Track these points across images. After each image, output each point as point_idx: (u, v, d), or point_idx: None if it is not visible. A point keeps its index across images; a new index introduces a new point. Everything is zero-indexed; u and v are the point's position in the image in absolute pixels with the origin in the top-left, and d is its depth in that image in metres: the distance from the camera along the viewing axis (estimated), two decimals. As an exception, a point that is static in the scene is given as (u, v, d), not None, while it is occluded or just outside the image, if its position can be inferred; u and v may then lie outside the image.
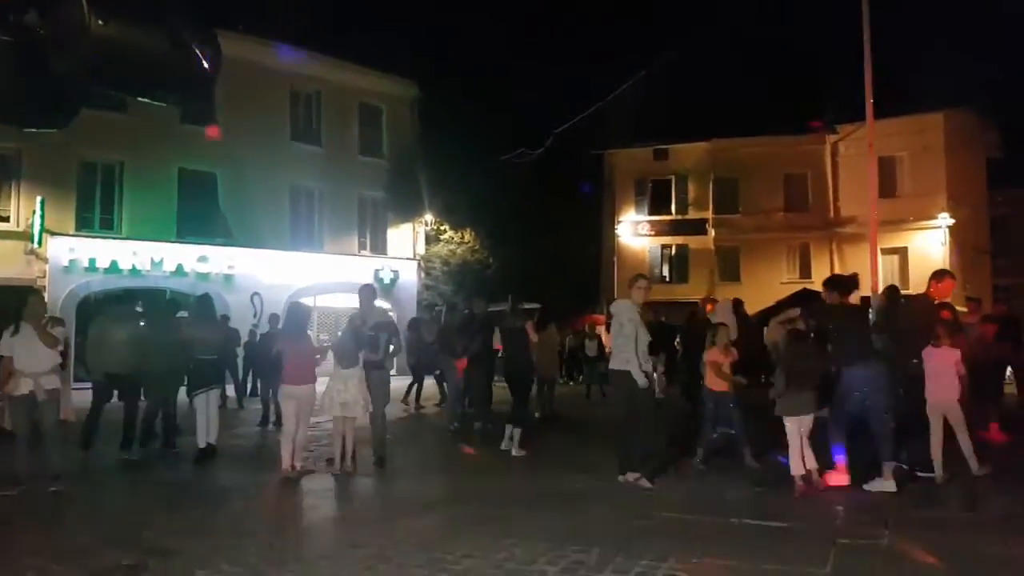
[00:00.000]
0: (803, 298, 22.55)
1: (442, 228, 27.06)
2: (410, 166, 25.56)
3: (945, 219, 28.59)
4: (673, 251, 33.73)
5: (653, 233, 33.83)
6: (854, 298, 7.31)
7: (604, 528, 5.42)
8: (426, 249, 26.72)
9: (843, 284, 6.96)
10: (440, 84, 26.55)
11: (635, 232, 33.94)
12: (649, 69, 21.45)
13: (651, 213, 33.85)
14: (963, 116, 30.02)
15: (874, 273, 13.92)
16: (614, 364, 6.75)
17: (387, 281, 24.54)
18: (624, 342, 6.61)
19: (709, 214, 32.79)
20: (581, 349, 16.99)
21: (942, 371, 6.72)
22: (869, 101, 13.84)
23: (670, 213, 33.61)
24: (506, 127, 27.91)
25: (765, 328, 12.78)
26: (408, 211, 25.83)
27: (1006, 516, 5.77)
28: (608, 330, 7.35)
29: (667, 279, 33.02)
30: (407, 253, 26.27)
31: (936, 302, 7.54)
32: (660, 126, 32.07)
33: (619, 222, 34.05)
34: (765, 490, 6.58)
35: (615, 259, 33.92)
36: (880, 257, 25.61)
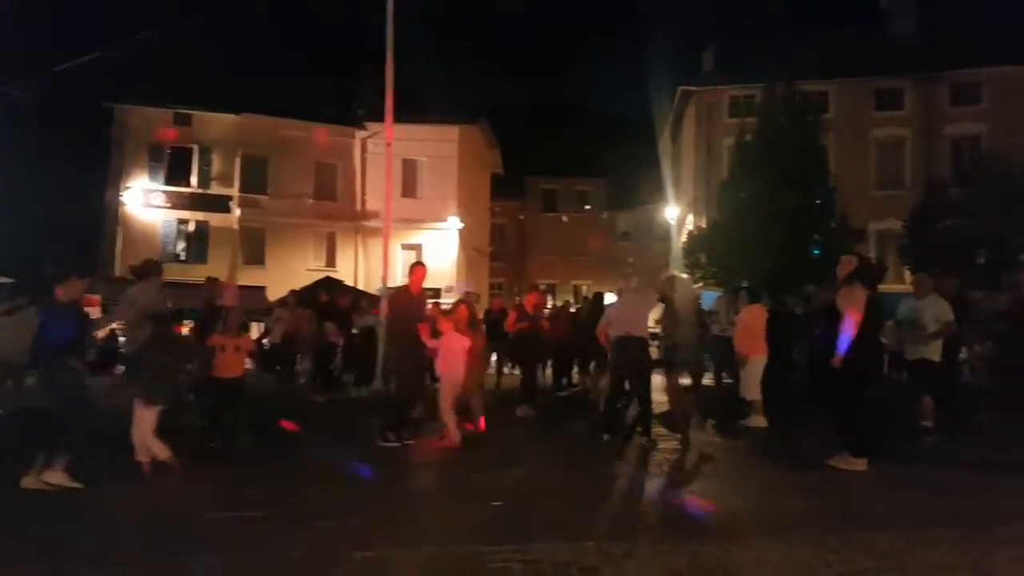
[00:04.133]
0: (325, 286, 22.33)
1: None
2: None
3: (455, 222, 31.57)
4: (191, 227, 30.46)
5: (169, 205, 30.06)
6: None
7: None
8: None
9: None
10: None
11: (146, 202, 29.68)
12: (167, 27, 19.21)
13: (168, 183, 30.01)
14: (474, 133, 33.79)
15: (385, 266, 14.53)
16: None
17: None
18: None
19: (235, 191, 30.51)
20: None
21: (450, 354, 7.90)
22: (389, 104, 14.34)
23: (190, 185, 30.28)
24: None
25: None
26: None
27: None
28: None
29: (182, 258, 29.65)
30: None
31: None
32: (186, 90, 28.67)
33: (127, 188, 29.39)
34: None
35: (119, 229, 29.20)
36: (400, 251, 27.42)
